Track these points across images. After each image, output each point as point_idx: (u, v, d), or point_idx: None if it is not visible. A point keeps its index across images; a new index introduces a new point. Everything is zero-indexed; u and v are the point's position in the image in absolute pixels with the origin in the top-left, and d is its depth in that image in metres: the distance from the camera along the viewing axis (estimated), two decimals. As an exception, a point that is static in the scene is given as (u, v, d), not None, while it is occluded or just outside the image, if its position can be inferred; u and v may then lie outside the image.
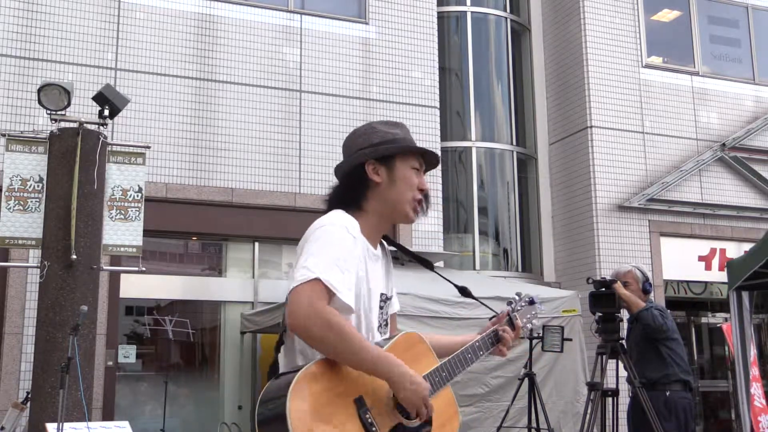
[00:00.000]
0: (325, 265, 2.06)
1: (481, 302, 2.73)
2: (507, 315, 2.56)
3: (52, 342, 5.11)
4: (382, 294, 2.32)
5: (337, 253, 2.10)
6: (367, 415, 2.04)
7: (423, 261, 2.59)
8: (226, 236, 8.77)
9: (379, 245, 2.35)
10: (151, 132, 8.10)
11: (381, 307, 2.32)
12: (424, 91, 9.54)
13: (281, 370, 2.19)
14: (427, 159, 2.38)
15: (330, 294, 2.05)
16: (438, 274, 2.71)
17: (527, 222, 10.89)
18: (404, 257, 2.67)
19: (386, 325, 2.37)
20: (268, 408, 2.00)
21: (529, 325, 2.67)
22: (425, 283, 6.69)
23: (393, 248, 2.51)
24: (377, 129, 2.34)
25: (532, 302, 2.68)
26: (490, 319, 2.58)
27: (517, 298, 2.65)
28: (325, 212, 2.28)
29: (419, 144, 2.39)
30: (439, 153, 9.37)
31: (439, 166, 9.35)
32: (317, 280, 2.03)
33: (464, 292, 2.62)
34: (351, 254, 2.14)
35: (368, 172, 2.27)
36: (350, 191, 2.29)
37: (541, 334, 6.45)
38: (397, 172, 2.28)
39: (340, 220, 2.18)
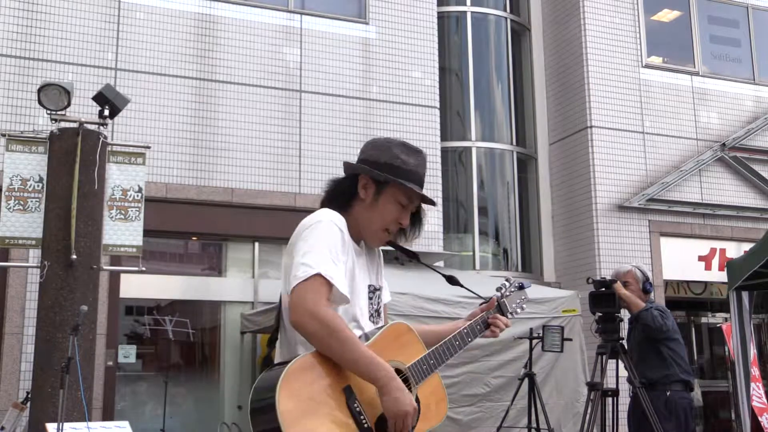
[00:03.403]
0: (321, 259, 2.17)
1: (469, 290, 2.79)
2: (495, 301, 2.62)
3: (52, 342, 5.10)
4: (369, 285, 2.41)
5: (330, 247, 2.21)
6: (356, 404, 2.12)
7: (408, 252, 2.61)
8: (226, 236, 8.76)
9: (362, 240, 2.44)
10: (151, 132, 8.10)
11: (370, 298, 2.40)
12: (424, 91, 9.54)
13: (276, 361, 2.27)
14: (425, 199, 2.44)
15: (329, 287, 2.16)
16: (425, 264, 2.77)
17: (527, 222, 10.89)
18: (403, 257, 2.71)
19: (378, 315, 2.44)
20: (259, 399, 2.07)
21: (519, 310, 2.74)
22: (425, 283, 6.69)
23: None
24: (391, 149, 2.38)
25: (521, 287, 2.75)
26: (480, 305, 2.66)
27: (507, 284, 2.72)
28: (321, 203, 2.42)
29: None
30: (439, 153, 9.43)
31: (439, 166, 9.39)
32: (318, 275, 2.14)
33: (451, 280, 2.69)
34: (341, 247, 2.24)
35: (359, 185, 2.37)
36: (340, 195, 2.39)
37: (541, 334, 6.46)
38: (381, 199, 2.36)
39: (327, 216, 2.28)
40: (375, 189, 2.35)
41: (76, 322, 4.36)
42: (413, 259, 2.62)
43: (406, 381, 2.24)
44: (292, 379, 2.05)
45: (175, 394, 8.57)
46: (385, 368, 2.14)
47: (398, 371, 2.23)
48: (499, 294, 2.67)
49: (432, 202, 2.43)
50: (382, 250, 2.56)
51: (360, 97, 9.19)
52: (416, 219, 2.46)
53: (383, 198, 2.35)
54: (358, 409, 2.12)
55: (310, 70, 9.05)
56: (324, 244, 2.20)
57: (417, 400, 2.24)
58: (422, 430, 2.27)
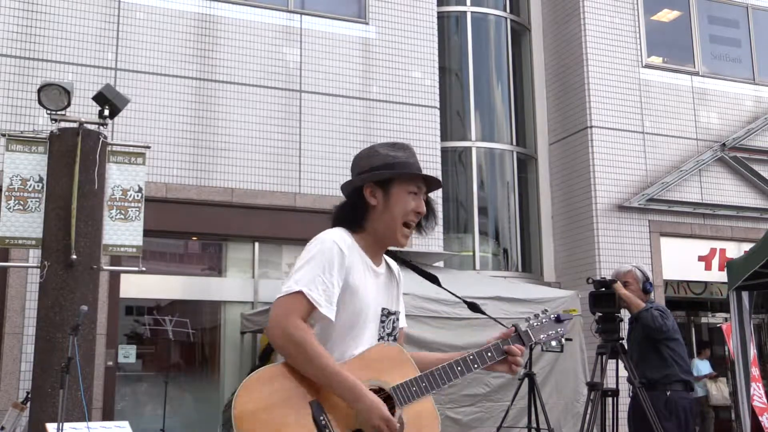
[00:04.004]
0: (309, 278, 2.19)
1: (493, 318, 2.72)
2: (514, 329, 2.47)
3: (52, 342, 5.10)
4: (383, 309, 2.38)
5: (322, 267, 2.21)
6: (322, 418, 2.11)
7: (429, 276, 2.63)
8: (226, 236, 8.76)
9: (383, 262, 2.44)
10: (151, 132, 8.10)
11: (382, 321, 2.37)
12: (424, 91, 9.54)
13: None
14: (428, 181, 2.43)
15: (312, 306, 2.18)
16: (446, 289, 2.70)
17: (527, 222, 10.89)
18: (403, 261, 2.66)
19: (394, 340, 2.41)
20: (227, 409, 2.10)
21: (553, 342, 2.60)
22: (426, 284, 6.68)
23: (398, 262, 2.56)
24: (379, 152, 2.41)
25: (558, 319, 2.59)
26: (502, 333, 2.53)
27: (540, 314, 2.59)
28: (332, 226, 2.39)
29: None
30: (439, 153, 9.43)
31: (439, 166, 9.39)
32: (300, 293, 2.17)
33: (473, 307, 2.65)
34: (337, 268, 2.23)
35: (366, 196, 2.36)
36: (350, 212, 2.38)
37: (541, 334, 6.45)
38: (392, 197, 2.36)
39: (331, 235, 2.29)
40: (382, 191, 2.36)
41: (76, 322, 4.36)
42: (433, 282, 2.62)
43: (388, 400, 2.21)
44: (249, 389, 2.07)
45: (175, 394, 8.57)
46: (350, 382, 2.13)
47: (381, 390, 2.22)
48: (526, 323, 2.54)
49: (438, 182, 2.45)
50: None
51: (360, 97, 9.19)
52: (428, 207, 2.45)
53: (394, 194, 2.36)
54: (324, 422, 2.10)
55: (310, 70, 9.05)
56: (317, 263, 2.21)
57: (401, 421, 2.20)
58: None
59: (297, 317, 2.15)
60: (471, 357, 2.37)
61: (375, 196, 2.36)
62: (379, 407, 2.13)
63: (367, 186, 2.36)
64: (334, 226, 2.38)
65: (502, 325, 2.65)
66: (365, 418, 2.12)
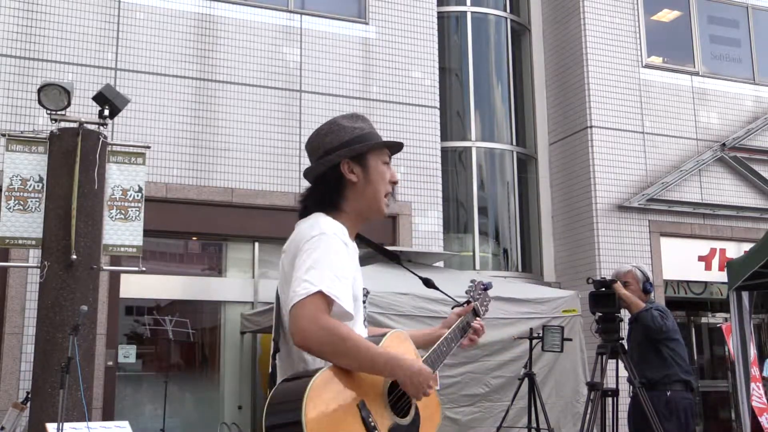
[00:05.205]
0: (324, 276, 2.09)
1: (446, 294, 2.78)
2: (472, 306, 2.63)
3: (52, 342, 5.11)
4: (364, 289, 2.36)
5: (335, 263, 2.13)
6: (370, 419, 2.10)
7: (389, 254, 2.60)
8: (226, 236, 8.76)
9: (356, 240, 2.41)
10: (151, 132, 8.10)
11: (363, 302, 2.36)
12: (424, 91, 9.54)
13: (282, 375, 2.21)
14: (392, 148, 2.41)
15: (331, 303, 2.09)
16: (404, 266, 2.70)
17: (527, 222, 10.89)
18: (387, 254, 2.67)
19: (366, 317, 2.40)
20: (279, 414, 2.02)
21: (484, 311, 2.72)
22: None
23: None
24: (344, 125, 2.33)
25: (486, 288, 2.73)
26: (453, 308, 2.64)
27: (473, 285, 2.69)
28: (301, 212, 2.32)
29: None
30: (439, 153, 9.44)
31: (439, 166, 9.38)
32: (320, 293, 2.07)
33: (428, 283, 2.65)
34: (346, 262, 2.17)
35: (344, 172, 2.28)
36: (328, 193, 2.29)
37: (541, 334, 6.46)
38: (371, 169, 2.31)
39: (331, 228, 2.19)
40: (360, 165, 2.30)
41: (76, 322, 4.37)
42: (394, 260, 2.60)
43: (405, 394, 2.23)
44: (316, 394, 2.00)
45: (175, 394, 8.57)
46: (404, 357, 2.16)
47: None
48: (471, 297, 2.65)
49: (401, 145, 2.43)
50: (365, 251, 2.53)
51: (360, 97, 9.19)
52: None
53: (371, 167, 2.31)
54: (372, 423, 2.09)
55: (310, 70, 9.05)
56: (328, 260, 2.12)
57: (417, 411, 2.23)
58: None
59: (327, 314, 2.08)
60: (450, 336, 2.49)
61: (354, 171, 2.29)
62: (429, 370, 2.18)
63: (343, 163, 2.29)
64: (308, 211, 2.30)
65: (455, 301, 2.72)
66: (417, 381, 2.14)
